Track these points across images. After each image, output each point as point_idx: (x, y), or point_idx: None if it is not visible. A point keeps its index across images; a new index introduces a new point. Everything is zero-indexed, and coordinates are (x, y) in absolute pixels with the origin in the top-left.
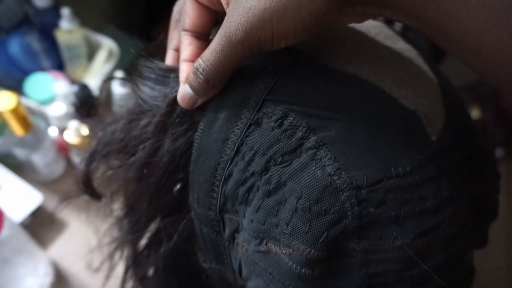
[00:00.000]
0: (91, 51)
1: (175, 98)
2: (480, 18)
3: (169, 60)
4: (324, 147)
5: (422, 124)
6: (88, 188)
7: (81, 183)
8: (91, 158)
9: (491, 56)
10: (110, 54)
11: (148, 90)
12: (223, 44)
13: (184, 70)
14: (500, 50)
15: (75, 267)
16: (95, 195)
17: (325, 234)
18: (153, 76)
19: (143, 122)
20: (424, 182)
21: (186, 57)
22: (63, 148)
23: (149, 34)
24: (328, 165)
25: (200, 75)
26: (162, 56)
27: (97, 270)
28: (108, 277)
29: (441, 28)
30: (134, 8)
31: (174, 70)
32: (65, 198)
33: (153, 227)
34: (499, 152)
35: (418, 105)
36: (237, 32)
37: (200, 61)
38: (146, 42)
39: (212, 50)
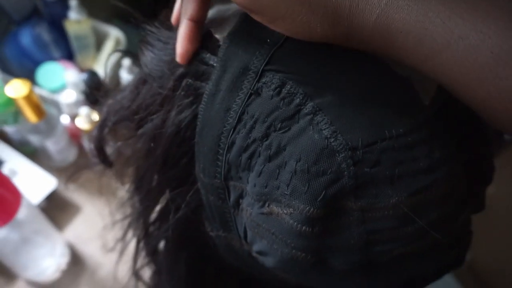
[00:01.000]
0: (99, 41)
1: (181, 73)
2: (471, 75)
3: (185, 30)
4: (320, 112)
5: (415, 90)
6: (100, 154)
7: (94, 148)
8: (103, 124)
9: (481, 107)
10: (117, 43)
11: (151, 55)
12: None
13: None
14: (489, 104)
15: (89, 248)
16: (107, 162)
17: (323, 193)
18: (156, 42)
19: (146, 88)
20: (417, 143)
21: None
22: (74, 135)
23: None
24: (324, 129)
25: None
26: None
27: (111, 250)
28: (121, 254)
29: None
30: (140, 2)
31: (173, 37)
32: (78, 170)
33: (162, 200)
34: (507, 136)
35: (410, 73)
36: None
37: None
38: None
39: None
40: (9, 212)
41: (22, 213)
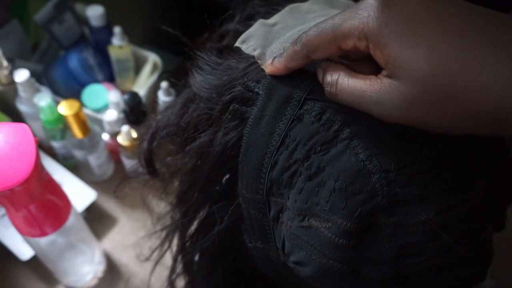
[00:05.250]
0: (138, 65)
1: (229, 98)
2: None
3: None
4: (356, 138)
5: None
6: (149, 166)
7: (143, 160)
8: (152, 138)
9: None
10: (155, 67)
11: (200, 78)
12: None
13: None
14: None
15: (124, 257)
16: (155, 174)
17: (359, 210)
18: (206, 67)
19: (193, 107)
20: (443, 166)
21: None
22: (113, 151)
23: (189, 50)
24: (360, 153)
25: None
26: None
27: (146, 259)
28: (157, 264)
29: None
30: (173, 29)
31: (222, 64)
32: (124, 180)
33: (202, 213)
34: None
35: None
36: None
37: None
38: (184, 56)
39: None
40: (60, 218)
41: (70, 220)
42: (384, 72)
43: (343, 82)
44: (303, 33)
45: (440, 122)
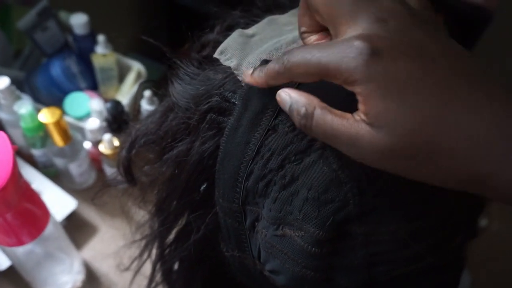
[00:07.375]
0: (122, 73)
1: (206, 109)
2: None
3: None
4: (329, 147)
5: None
6: (127, 173)
7: (122, 168)
8: (131, 146)
9: None
10: (139, 75)
11: (179, 87)
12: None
13: None
14: None
15: (104, 267)
16: (132, 181)
17: (331, 218)
18: (184, 77)
19: (172, 116)
20: None
21: None
22: (95, 160)
23: (170, 60)
24: (333, 163)
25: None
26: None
27: (126, 269)
28: (136, 274)
29: None
30: (158, 38)
31: (201, 74)
32: (103, 188)
33: (180, 222)
34: None
35: None
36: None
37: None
38: (168, 65)
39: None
40: (38, 227)
41: (48, 229)
42: (362, 116)
43: (321, 117)
44: (286, 54)
45: (412, 175)
